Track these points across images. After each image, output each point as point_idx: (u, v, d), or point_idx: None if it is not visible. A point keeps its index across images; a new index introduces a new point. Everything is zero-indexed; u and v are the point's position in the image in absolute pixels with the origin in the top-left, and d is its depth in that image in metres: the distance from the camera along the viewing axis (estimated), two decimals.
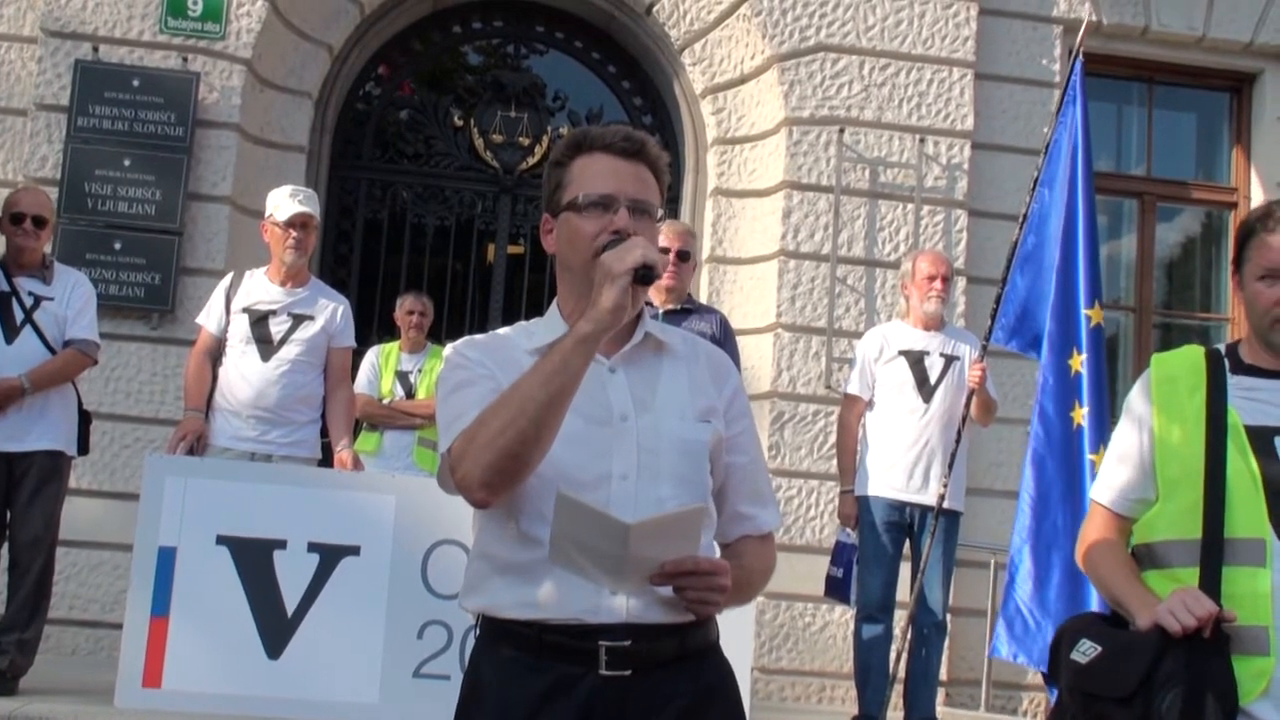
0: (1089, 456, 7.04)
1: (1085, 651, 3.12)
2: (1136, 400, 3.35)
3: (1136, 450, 3.30)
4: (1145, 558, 3.25)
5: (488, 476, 2.64)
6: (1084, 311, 7.36)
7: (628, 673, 2.68)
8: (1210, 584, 3.05)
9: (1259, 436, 3.15)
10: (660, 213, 2.92)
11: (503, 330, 3.03)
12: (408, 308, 9.35)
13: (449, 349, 2.93)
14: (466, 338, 2.97)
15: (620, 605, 2.69)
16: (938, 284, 7.52)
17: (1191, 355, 3.34)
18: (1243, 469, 3.10)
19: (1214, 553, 3.07)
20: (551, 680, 2.69)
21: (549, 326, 2.91)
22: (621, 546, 2.54)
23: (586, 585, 2.67)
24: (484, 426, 2.63)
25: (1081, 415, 7.22)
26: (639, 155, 2.89)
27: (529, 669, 2.70)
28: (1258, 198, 10.62)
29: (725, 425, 2.92)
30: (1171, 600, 3.00)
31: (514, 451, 2.60)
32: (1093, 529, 3.40)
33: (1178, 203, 11.12)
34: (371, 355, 9.26)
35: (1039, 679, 8.77)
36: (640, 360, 2.87)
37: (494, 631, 2.79)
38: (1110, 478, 3.37)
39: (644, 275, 2.64)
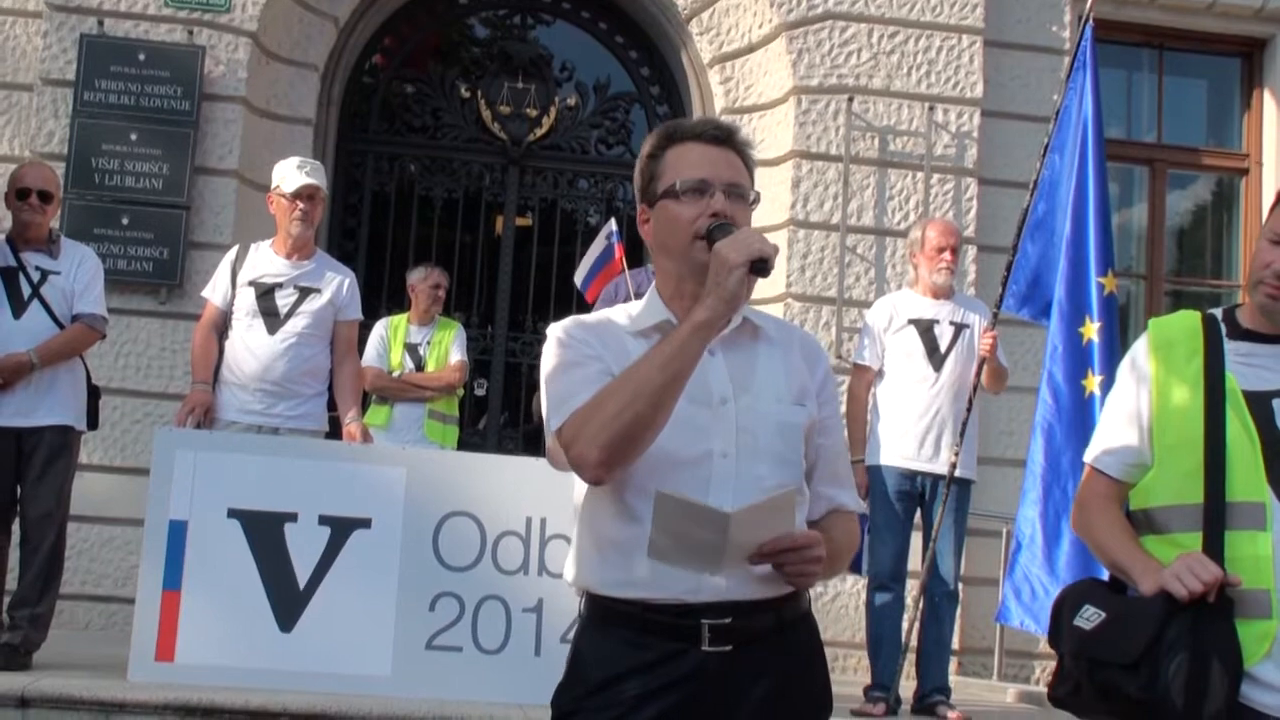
0: None
1: (1089, 618, 3.13)
2: (1134, 365, 3.33)
3: (1135, 415, 3.28)
4: (1143, 523, 3.24)
5: (604, 456, 2.73)
6: (1097, 279, 7.33)
7: (729, 648, 2.78)
8: (1213, 549, 3.05)
9: (1257, 401, 3.13)
10: (753, 195, 2.99)
11: (603, 311, 3.11)
12: (433, 281, 9.29)
13: (553, 328, 2.99)
14: (572, 317, 3.04)
15: (721, 583, 2.79)
16: (947, 255, 7.49)
17: (1188, 320, 3.32)
18: (1241, 433, 3.09)
19: (1216, 517, 3.07)
20: (655, 656, 2.79)
21: (649, 310, 3.01)
22: (722, 534, 2.64)
23: None
24: (600, 408, 2.72)
25: (1095, 383, 7.20)
26: (728, 142, 3.02)
27: (633, 645, 2.80)
28: (1270, 164, 10.59)
29: (817, 407, 3.01)
30: (1177, 566, 3.00)
31: (630, 433, 2.70)
32: (1089, 494, 3.38)
33: (1189, 169, 11.09)
34: (380, 328, 9.23)
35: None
36: (738, 344, 2.95)
37: (597, 608, 2.89)
38: (1106, 442, 3.36)
39: (759, 267, 2.70)
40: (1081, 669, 3.10)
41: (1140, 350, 3.33)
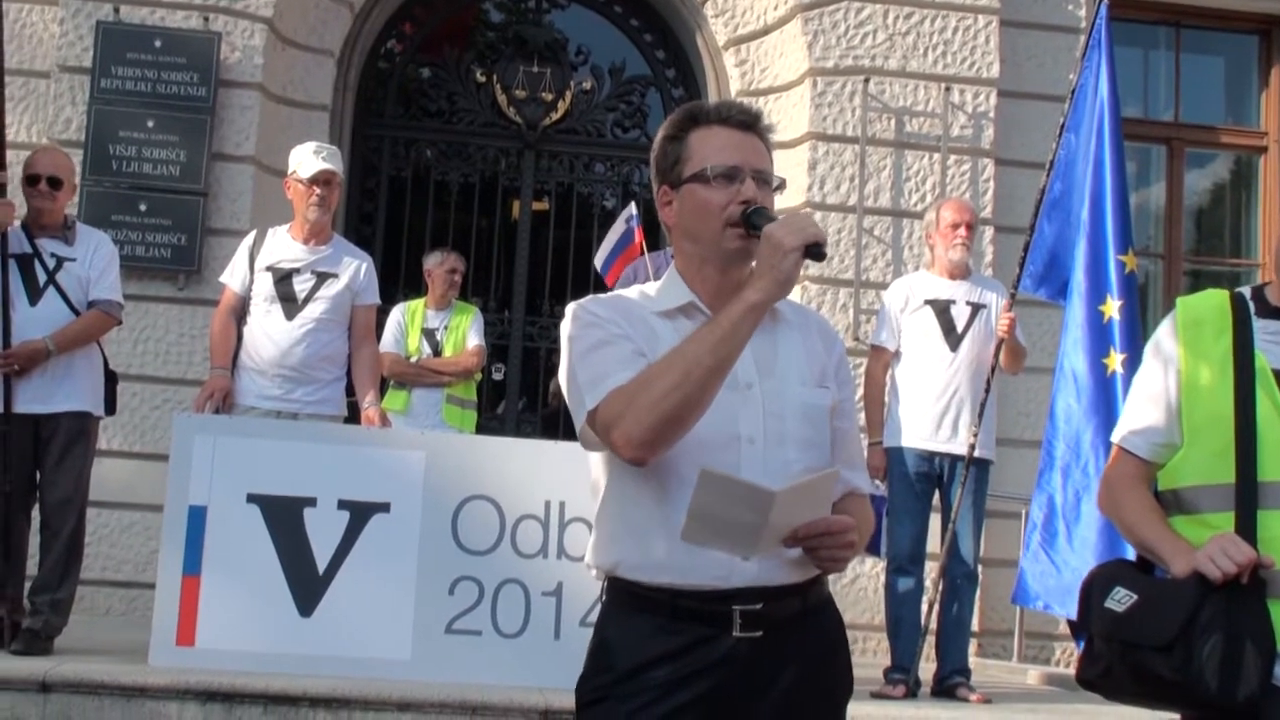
0: None
1: (1120, 599, 3.10)
2: (1161, 344, 3.30)
3: (1163, 394, 3.26)
4: (1172, 503, 3.21)
5: (651, 436, 2.70)
6: (1117, 257, 7.32)
7: (759, 634, 2.78)
8: (1246, 529, 3.02)
9: None
10: (777, 182, 2.98)
11: (619, 292, 3.10)
12: (449, 265, 9.28)
13: (574, 307, 2.96)
14: (590, 297, 3.01)
15: (751, 568, 2.78)
16: (962, 231, 7.46)
17: (1216, 298, 3.30)
18: (1271, 412, 3.07)
19: (1249, 497, 3.04)
20: (685, 642, 2.77)
21: (672, 291, 2.98)
22: (763, 514, 2.62)
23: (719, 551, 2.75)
24: (647, 388, 2.70)
25: (1116, 361, 7.19)
26: (754, 127, 2.98)
27: (662, 631, 2.79)
28: None
29: (836, 389, 3.01)
30: (1210, 547, 2.98)
31: (678, 414, 2.69)
32: (1116, 474, 3.36)
33: (1207, 148, 11.05)
34: (397, 313, 9.23)
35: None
36: (760, 327, 2.88)
37: (623, 594, 2.87)
38: (1134, 422, 3.33)
39: (814, 251, 2.73)
40: (1114, 651, 3.07)
41: (1167, 329, 3.30)
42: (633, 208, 8.67)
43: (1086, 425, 7.20)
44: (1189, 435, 3.19)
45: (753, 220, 2.82)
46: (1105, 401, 7.16)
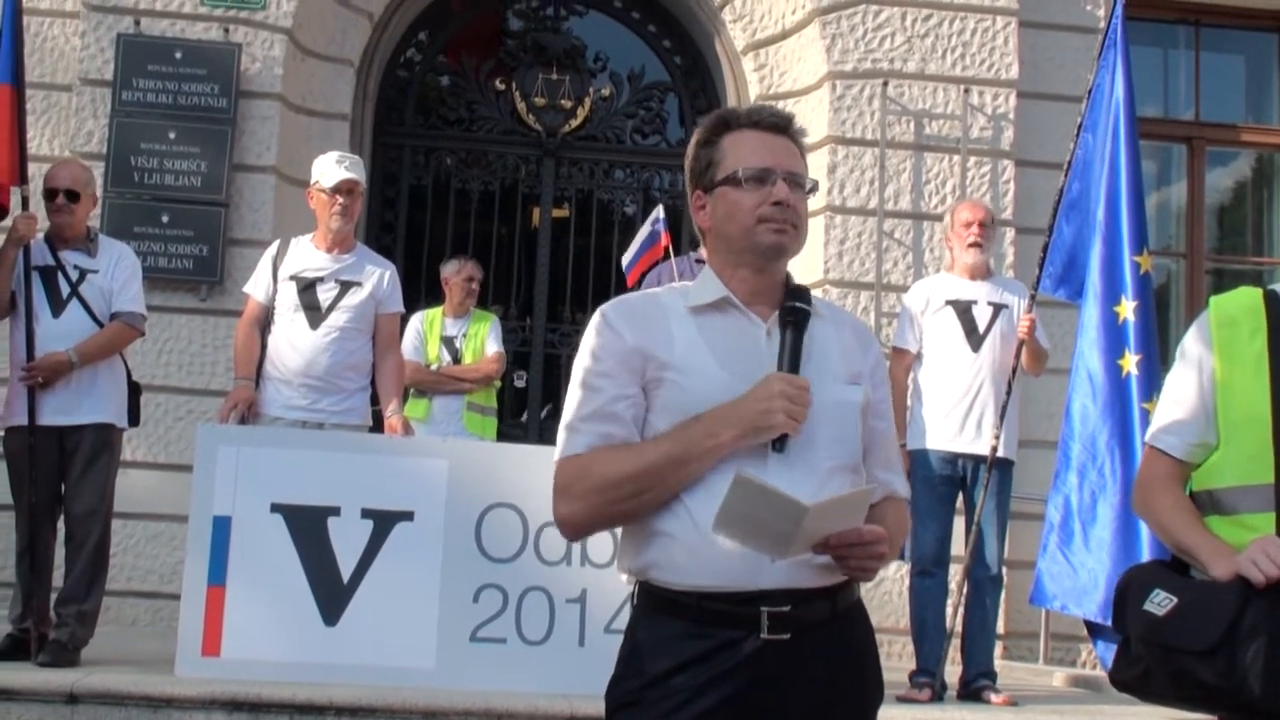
0: (1142, 405, 7.00)
1: (1160, 603, 3.06)
2: (1194, 343, 3.28)
3: (1196, 394, 3.23)
4: (1208, 504, 3.18)
5: (592, 528, 2.92)
6: (1132, 258, 7.30)
7: (787, 636, 2.77)
8: None
9: None
10: (810, 184, 3.02)
11: (655, 291, 3.12)
12: (467, 273, 9.29)
13: (598, 316, 2.97)
14: (617, 300, 3.04)
15: (780, 570, 2.77)
16: (975, 229, 7.44)
17: (1250, 297, 3.27)
18: None
19: None
20: (714, 645, 2.77)
21: (707, 287, 2.99)
22: (795, 525, 2.63)
23: (746, 553, 2.75)
24: (609, 487, 2.81)
25: (1131, 363, 7.18)
26: (786, 130, 3.03)
27: (690, 636, 2.79)
28: None
29: (871, 389, 3.01)
30: (1253, 550, 2.94)
31: (630, 516, 2.85)
32: (1150, 475, 3.33)
33: (1228, 146, 11.01)
34: (416, 321, 9.23)
35: None
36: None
37: (652, 598, 2.88)
38: (1167, 422, 3.30)
39: (779, 442, 2.79)
40: (1153, 655, 3.04)
41: (1201, 329, 3.27)
42: (660, 210, 8.68)
43: (1102, 426, 7.18)
44: (1225, 435, 3.16)
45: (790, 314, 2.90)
46: (1120, 402, 7.16)
